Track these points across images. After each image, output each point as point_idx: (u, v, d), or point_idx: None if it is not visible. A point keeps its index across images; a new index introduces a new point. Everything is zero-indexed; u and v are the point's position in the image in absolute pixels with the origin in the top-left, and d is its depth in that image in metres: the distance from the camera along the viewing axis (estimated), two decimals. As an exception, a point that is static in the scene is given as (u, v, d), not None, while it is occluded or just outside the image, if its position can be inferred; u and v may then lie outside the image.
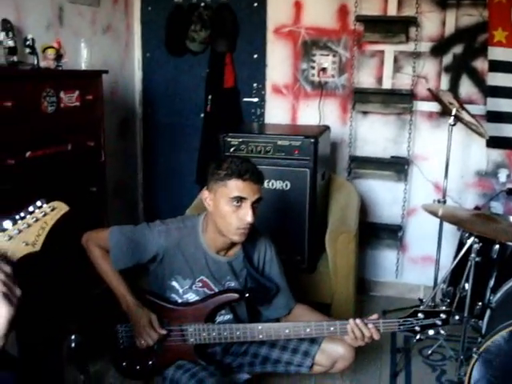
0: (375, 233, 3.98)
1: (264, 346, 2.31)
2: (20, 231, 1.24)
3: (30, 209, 1.27)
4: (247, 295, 2.19)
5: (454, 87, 3.74)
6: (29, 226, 1.26)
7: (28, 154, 2.64)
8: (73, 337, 2.70)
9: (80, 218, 2.72)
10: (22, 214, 1.26)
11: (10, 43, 2.82)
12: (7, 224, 1.24)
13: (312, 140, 3.12)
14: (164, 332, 2.16)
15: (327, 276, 3.20)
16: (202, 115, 4.31)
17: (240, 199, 2.05)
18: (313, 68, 3.99)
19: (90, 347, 2.68)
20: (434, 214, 2.91)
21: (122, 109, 4.30)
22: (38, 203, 1.29)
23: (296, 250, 3.20)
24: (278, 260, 2.34)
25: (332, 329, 2.05)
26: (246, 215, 2.05)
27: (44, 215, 1.28)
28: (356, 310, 3.33)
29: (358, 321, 2.00)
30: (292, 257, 3.14)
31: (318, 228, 3.28)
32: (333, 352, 2.21)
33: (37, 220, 1.27)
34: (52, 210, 1.29)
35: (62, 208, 1.31)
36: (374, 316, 2.03)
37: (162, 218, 2.28)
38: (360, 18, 3.76)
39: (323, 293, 3.22)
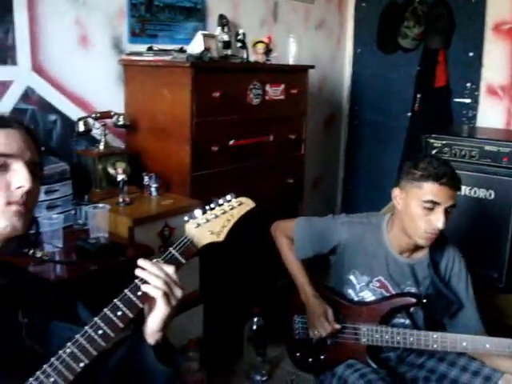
0: None
1: (443, 363, 2.18)
2: (208, 220, 1.31)
3: (220, 201, 1.34)
4: (424, 301, 2.09)
5: None
6: (216, 216, 1.32)
7: (231, 142, 2.80)
8: (255, 319, 2.84)
9: (275, 207, 2.84)
10: (212, 205, 1.33)
11: (225, 37, 3.02)
12: (197, 213, 1.32)
13: (524, 148, 2.89)
14: (338, 326, 2.14)
15: (527, 298, 2.95)
16: (409, 114, 4.22)
17: (433, 203, 1.94)
18: (537, 70, 3.67)
19: (271, 332, 2.80)
20: None
21: (329, 104, 4.35)
22: (228, 197, 1.35)
23: (492, 266, 2.97)
24: (467, 275, 2.18)
25: None
26: (437, 221, 1.94)
27: (231, 209, 1.34)
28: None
29: None
30: (487, 273, 2.93)
31: (521, 244, 3.02)
32: None
33: (224, 212, 1.33)
34: (239, 205, 1.35)
35: (248, 204, 1.36)
36: None
37: (359, 215, 2.29)
38: None
39: (520, 316, 2.97)
